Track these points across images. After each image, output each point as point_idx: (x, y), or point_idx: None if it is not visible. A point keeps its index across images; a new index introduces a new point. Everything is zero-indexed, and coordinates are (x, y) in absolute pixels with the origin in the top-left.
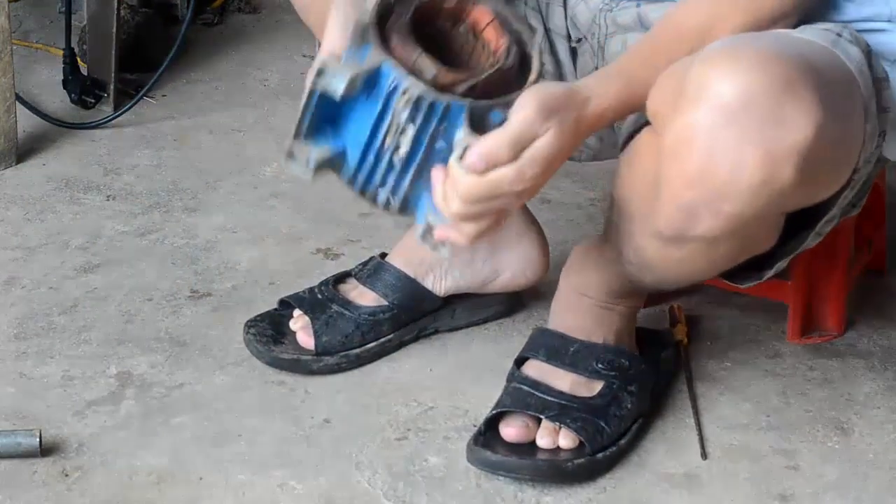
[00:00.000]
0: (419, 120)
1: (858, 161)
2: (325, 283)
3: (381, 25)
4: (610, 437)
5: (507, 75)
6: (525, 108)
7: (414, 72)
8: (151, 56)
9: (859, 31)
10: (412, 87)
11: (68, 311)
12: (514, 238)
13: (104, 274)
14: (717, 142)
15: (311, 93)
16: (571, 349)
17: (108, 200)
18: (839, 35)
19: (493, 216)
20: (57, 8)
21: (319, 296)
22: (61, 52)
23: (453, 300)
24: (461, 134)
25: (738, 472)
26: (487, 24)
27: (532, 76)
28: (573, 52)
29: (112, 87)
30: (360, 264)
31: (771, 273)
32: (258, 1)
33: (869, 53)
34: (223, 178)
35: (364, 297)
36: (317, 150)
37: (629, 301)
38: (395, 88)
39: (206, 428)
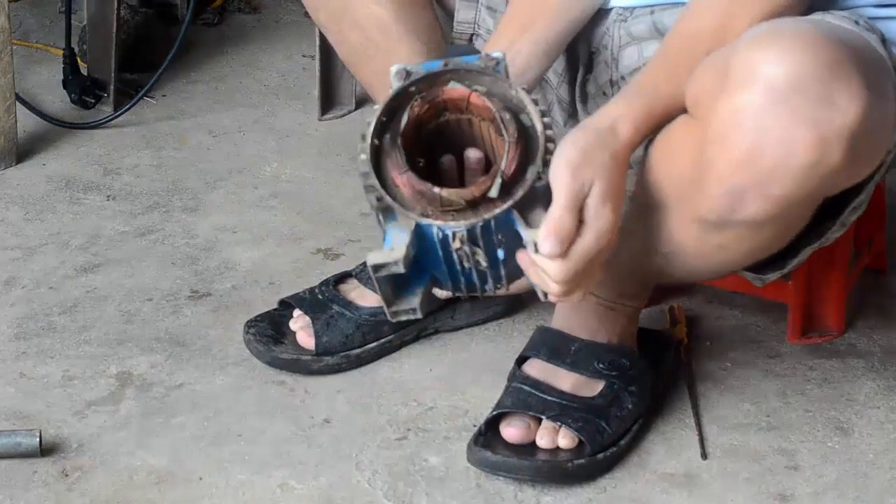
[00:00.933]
0: (481, 242)
1: (892, 142)
2: (325, 283)
3: (379, 160)
4: (611, 437)
5: (523, 146)
6: (560, 174)
7: (444, 205)
8: (151, 56)
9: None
10: (457, 229)
11: (68, 311)
12: None
13: (104, 274)
14: (767, 123)
15: (379, 279)
16: (573, 348)
17: (108, 200)
18: (856, 22)
19: (597, 268)
20: (57, 8)
21: (320, 296)
22: (61, 52)
23: (453, 301)
24: (523, 232)
25: (738, 472)
26: (483, 105)
27: (540, 142)
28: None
29: (112, 87)
30: (360, 264)
31: (794, 263)
32: (258, 1)
33: (884, 40)
34: (223, 178)
35: (365, 297)
36: (412, 300)
37: (634, 301)
38: (444, 236)
39: (206, 428)
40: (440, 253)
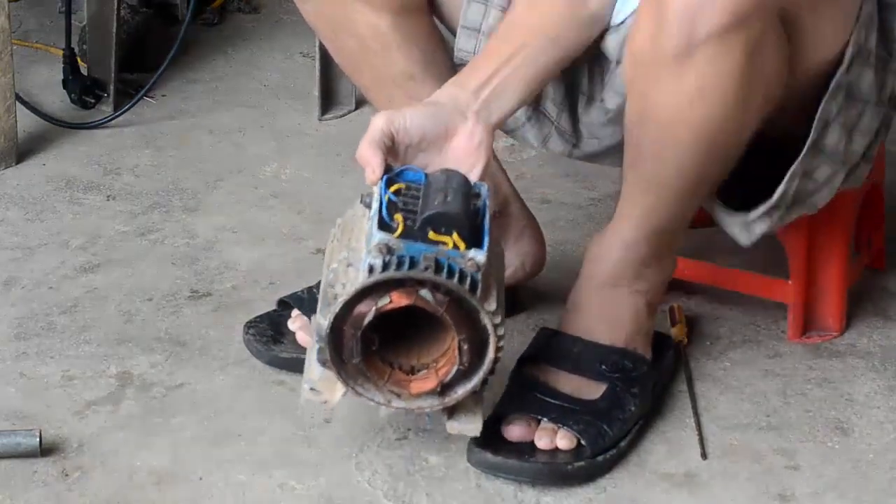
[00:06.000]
0: None
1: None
2: None
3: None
4: (612, 439)
5: (473, 350)
6: None
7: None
8: (151, 56)
9: None
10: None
11: (68, 311)
12: (512, 234)
13: (104, 274)
14: None
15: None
16: (576, 350)
17: (108, 200)
18: None
19: None
20: (57, 8)
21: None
22: (61, 52)
23: None
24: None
25: (738, 472)
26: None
27: (488, 357)
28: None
29: (112, 87)
30: None
31: (781, 191)
32: (258, 1)
33: None
34: (223, 178)
35: None
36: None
37: (645, 284)
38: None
39: (206, 428)
40: None
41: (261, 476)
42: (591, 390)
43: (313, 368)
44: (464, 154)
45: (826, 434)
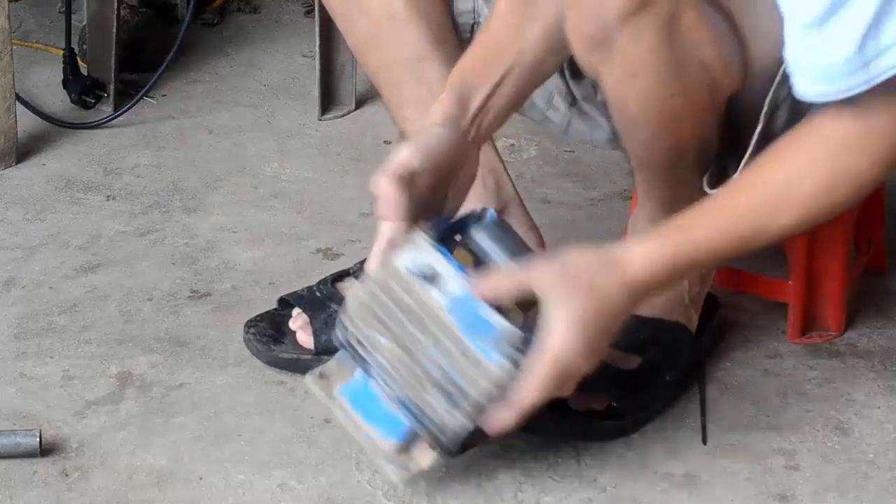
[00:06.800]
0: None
1: None
2: (323, 281)
3: None
4: (644, 404)
5: None
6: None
7: None
8: (151, 56)
9: None
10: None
11: (68, 311)
12: None
13: (104, 274)
14: None
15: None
16: None
17: (108, 200)
18: None
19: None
20: (57, 8)
21: (318, 294)
22: (61, 52)
23: None
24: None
25: (738, 472)
26: None
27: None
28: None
29: (112, 87)
30: (358, 263)
31: (749, 152)
32: (258, 1)
33: None
34: (223, 178)
35: None
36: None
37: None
38: None
39: (206, 428)
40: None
41: (261, 476)
42: (628, 362)
43: (426, 455)
44: (468, 180)
45: (826, 434)
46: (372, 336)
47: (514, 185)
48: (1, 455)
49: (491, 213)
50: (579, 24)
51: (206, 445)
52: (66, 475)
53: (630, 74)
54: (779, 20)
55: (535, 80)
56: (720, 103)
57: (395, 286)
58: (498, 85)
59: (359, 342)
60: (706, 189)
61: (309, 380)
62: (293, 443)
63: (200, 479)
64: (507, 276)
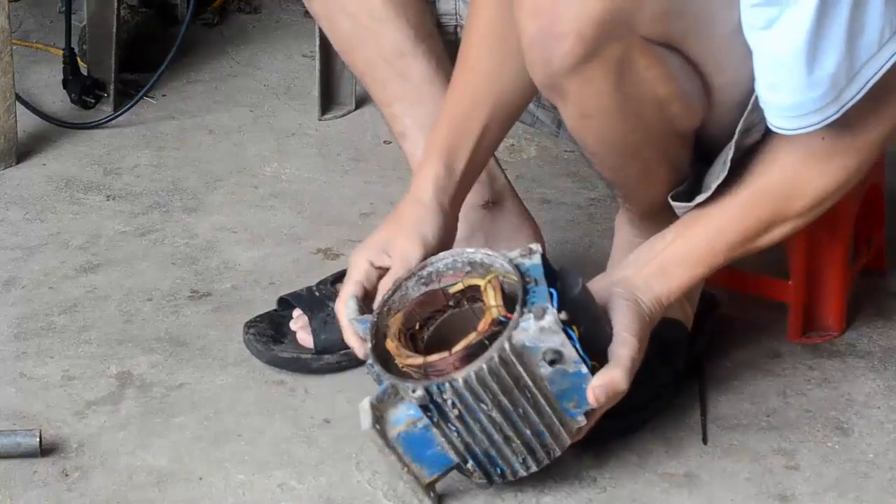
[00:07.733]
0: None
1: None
2: (322, 282)
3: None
4: (635, 405)
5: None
6: (631, 344)
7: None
8: (151, 56)
9: None
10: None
11: (68, 311)
12: (509, 232)
13: (104, 274)
14: None
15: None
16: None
17: (108, 200)
18: None
19: None
20: (57, 8)
21: (317, 293)
22: (61, 52)
23: None
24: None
25: (738, 472)
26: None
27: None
28: None
29: (112, 87)
30: None
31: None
32: (258, 1)
33: None
34: (223, 178)
35: None
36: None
37: None
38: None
39: (206, 428)
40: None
41: (261, 476)
42: None
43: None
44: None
45: (826, 434)
46: (472, 405)
47: (506, 176)
48: (1, 455)
49: (578, 279)
50: (532, 69)
51: (206, 445)
52: (66, 475)
53: (585, 116)
54: (746, 54)
55: (513, 119)
56: (685, 132)
57: (516, 362)
58: (480, 139)
59: (452, 405)
60: (671, 201)
61: (365, 422)
62: (293, 443)
63: (200, 479)
64: (621, 376)
